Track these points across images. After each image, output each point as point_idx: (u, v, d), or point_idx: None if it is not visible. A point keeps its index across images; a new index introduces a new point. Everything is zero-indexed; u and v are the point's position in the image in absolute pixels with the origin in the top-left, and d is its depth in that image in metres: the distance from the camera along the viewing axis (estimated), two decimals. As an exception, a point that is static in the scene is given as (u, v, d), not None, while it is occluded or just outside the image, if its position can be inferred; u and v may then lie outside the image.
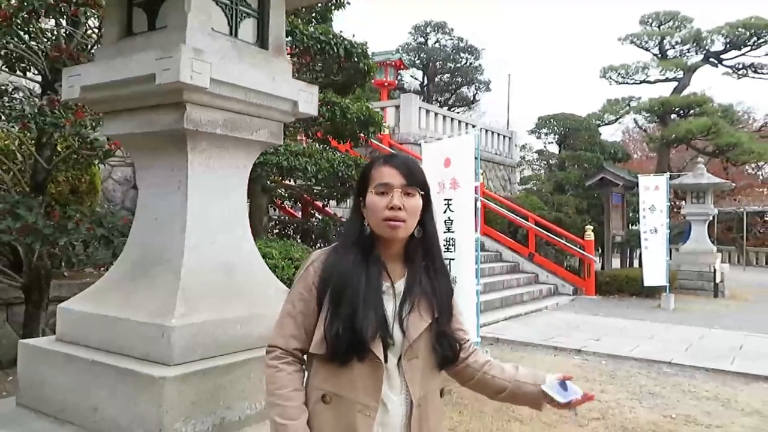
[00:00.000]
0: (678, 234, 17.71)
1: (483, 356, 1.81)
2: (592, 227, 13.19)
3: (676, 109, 18.64)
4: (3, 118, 3.88)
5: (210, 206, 2.49)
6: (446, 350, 1.68)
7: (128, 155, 4.74)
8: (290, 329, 1.65)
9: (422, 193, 1.67)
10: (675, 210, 17.42)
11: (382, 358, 1.57)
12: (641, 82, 19.93)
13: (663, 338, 8.36)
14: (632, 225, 16.45)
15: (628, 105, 19.90)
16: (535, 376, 1.75)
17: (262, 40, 2.63)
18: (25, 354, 2.54)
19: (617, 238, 14.66)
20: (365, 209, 1.66)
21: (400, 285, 1.66)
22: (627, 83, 20.04)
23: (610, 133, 26.43)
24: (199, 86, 2.19)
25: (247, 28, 2.59)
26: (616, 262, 16.01)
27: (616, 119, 20.50)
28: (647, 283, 11.64)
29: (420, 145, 15.06)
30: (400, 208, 1.60)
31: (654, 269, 11.56)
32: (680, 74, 19.48)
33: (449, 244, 6.38)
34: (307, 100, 2.68)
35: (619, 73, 19.72)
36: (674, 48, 20.03)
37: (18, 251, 4.91)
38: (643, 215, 11.68)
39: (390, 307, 1.63)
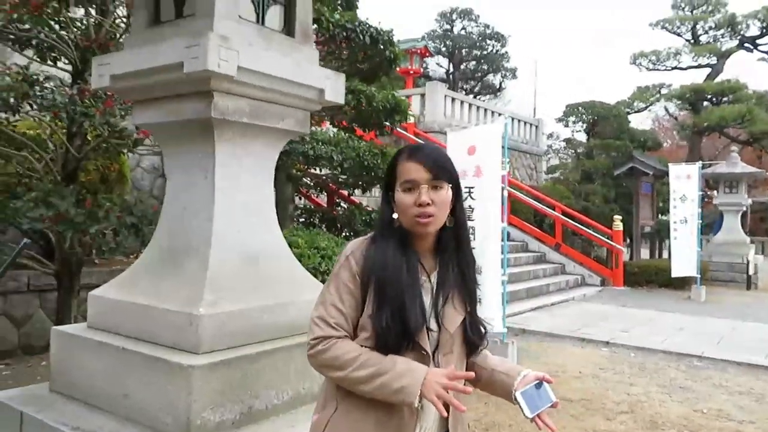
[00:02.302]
0: (708, 225, 17.34)
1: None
2: (620, 217, 12.97)
3: (709, 96, 18.15)
4: (35, 107, 3.93)
5: (236, 195, 2.48)
6: (477, 340, 1.67)
7: (156, 144, 4.76)
8: (340, 323, 1.59)
9: (450, 184, 1.63)
10: (706, 200, 17.03)
11: (428, 348, 1.56)
12: (673, 69, 19.43)
13: (693, 330, 8.19)
14: (661, 215, 16.13)
15: (659, 92, 19.41)
16: (512, 369, 1.67)
17: (288, 28, 2.61)
18: (57, 340, 2.58)
19: (646, 228, 14.40)
20: (395, 204, 1.63)
21: (434, 278, 1.64)
22: (658, 70, 19.55)
23: (639, 121, 25.93)
24: (226, 74, 2.17)
25: (274, 15, 2.56)
26: (644, 253, 15.74)
27: (646, 107, 20.04)
28: (675, 273, 11.41)
29: (445, 133, 14.95)
30: (428, 204, 1.56)
31: (683, 260, 11.32)
32: (713, 60, 18.94)
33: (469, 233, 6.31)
34: (334, 87, 2.65)
35: (650, 60, 19.24)
36: (707, 33, 19.47)
37: (50, 239, 4.99)
38: (673, 205, 11.41)
39: (427, 300, 1.60)
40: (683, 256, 11.31)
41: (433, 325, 1.58)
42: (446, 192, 1.61)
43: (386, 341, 1.53)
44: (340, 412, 1.59)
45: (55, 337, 2.60)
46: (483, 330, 1.69)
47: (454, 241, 1.67)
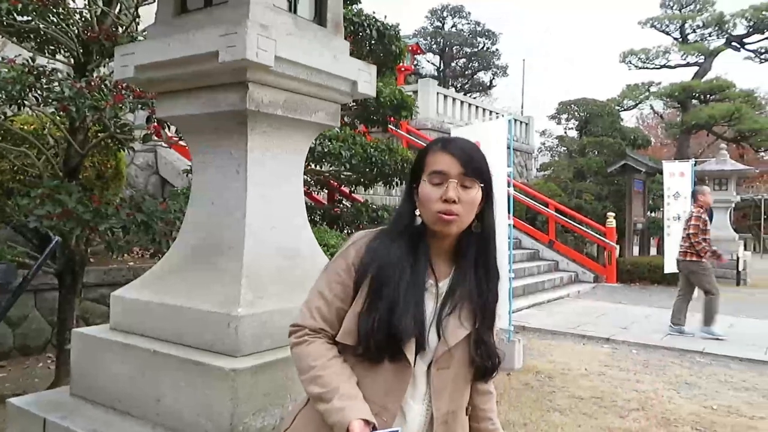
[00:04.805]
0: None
1: (491, 408, 1.65)
2: (613, 214, 13.04)
3: (697, 94, 18.35)
4: (39, 100, 3.78)
5: (269, 191, 2.39)
6: (485, 361, 1.51)
7: (156, 140, 4.60)
8: (322, 312, 1.49)
9: (482, 184, 1.48)
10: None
11: (412, 361, 1.42)
12: (661, 67, 19.61)
13: (692, 327, 8.23)
14: (652, 212, 16.24)
15: (648, 90, 19.60)
16: None
17: (320, 17, 2.51)
18: (78, 343, 2.47)
19: (638, 225, 14.50)
20: (417, 198, 1.50)
21: (444, 284, 1.50)
22: (647, 68, 19.73)
23: (625, 120, 26.10)
24: (264, 64, 2.08)
25: (305, 4, 2.46)
26: (635, 250, 15.85)
27: (636, 104, 20.22)
28: (668, 270, 11.43)
29: (437, 131, 14.91)
30: (455, 201, 1.42)
31: (676, 257, 11.40)
32: (701, 59, 19.15)
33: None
34: (367, 80, 2.56)
35: (639, 58, 19.39)
36: (695, 32, 19.71)
37: (45, 237, 4.84)
38: (667, 202, 11.49)
39: (430, 307, 1.46)
40: (676, 252, 11.38)
41: (432, 335, 1.45)
42: (476, 192, 1.46)
43: (368, 346, 1.42)
44: (310, 406, 1.49)
45: (76, 339, 2.48)
46: (493, 353, 1.52)
47: (475, 248, 1.52)
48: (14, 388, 4.99)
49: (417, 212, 1.50)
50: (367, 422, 1.35)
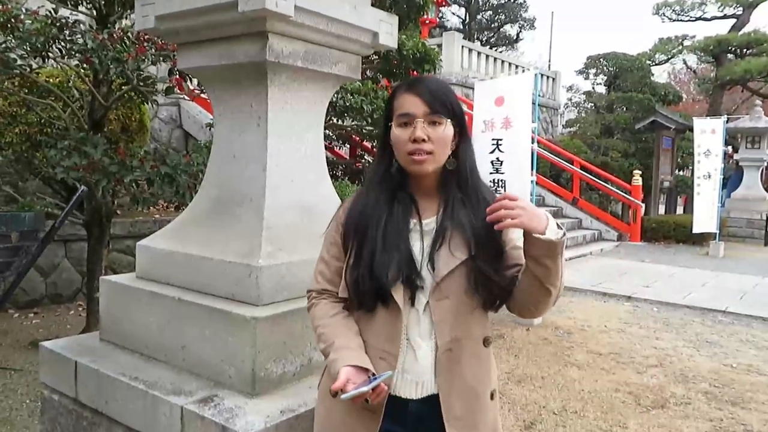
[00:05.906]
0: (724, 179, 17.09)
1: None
2: (640, 172, 12.79)
3: (733, 48, 17.64)
4: (63, 52, 3.80)
5: (288, 144, 2.39)
6: (487, 294, 1.48)
7: (178, 93, 4.61)
8: (324, 274, 1.61)
9: (451, 119, 1.49)
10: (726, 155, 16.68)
11: (401, 302, 1.45)
12: (697, 19, 18.83)
13: (715, 286, 8.17)
14: (680, 170, 15.90)
15: (682, 44, 18.88)
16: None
17: (340, -34, 2.45)
18: (107, 291, 2.54)
19: (665, 184, 14.23)
20: (392, 142, 1.52)
21: (431, 222, 1.52)
22: (681, 20, 18.95)
23: (656, 75, 25.28)
24: (283, 14, 2.05)
25: (325, -49, 2.41)
26: (660, 209, 15.62)
27: (668, 59, 19.53)
28: (696, 229, 11.29)
29: (462, 86, 14.64)
30: (424, 140, 1.45)
31: (704, 215, 11.21)
32: (740, 10, 18.32)
33: (498, 186, 6.24)
34: (388, 31, 2.51)
35: (673, 10, 18.62)
36: (735, -19, 18.79)
37: (73, 189, 4.94)
38: (697, 160, 11.21)
39: (417, 246, 1.49)
40: (705, 211, 11.19)
41: (425, 271, 1.47)
42: (445, 128, 1.48)
43: (358, 296, 1.50)
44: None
45: (104, 286, 2.56)
46: (498, 285, 1.47)
47: (456, 183, 1.53)
48: (46, 334, 5.20)
49: (394, 159, 1.54)
50: (361, 369, 1.42)
